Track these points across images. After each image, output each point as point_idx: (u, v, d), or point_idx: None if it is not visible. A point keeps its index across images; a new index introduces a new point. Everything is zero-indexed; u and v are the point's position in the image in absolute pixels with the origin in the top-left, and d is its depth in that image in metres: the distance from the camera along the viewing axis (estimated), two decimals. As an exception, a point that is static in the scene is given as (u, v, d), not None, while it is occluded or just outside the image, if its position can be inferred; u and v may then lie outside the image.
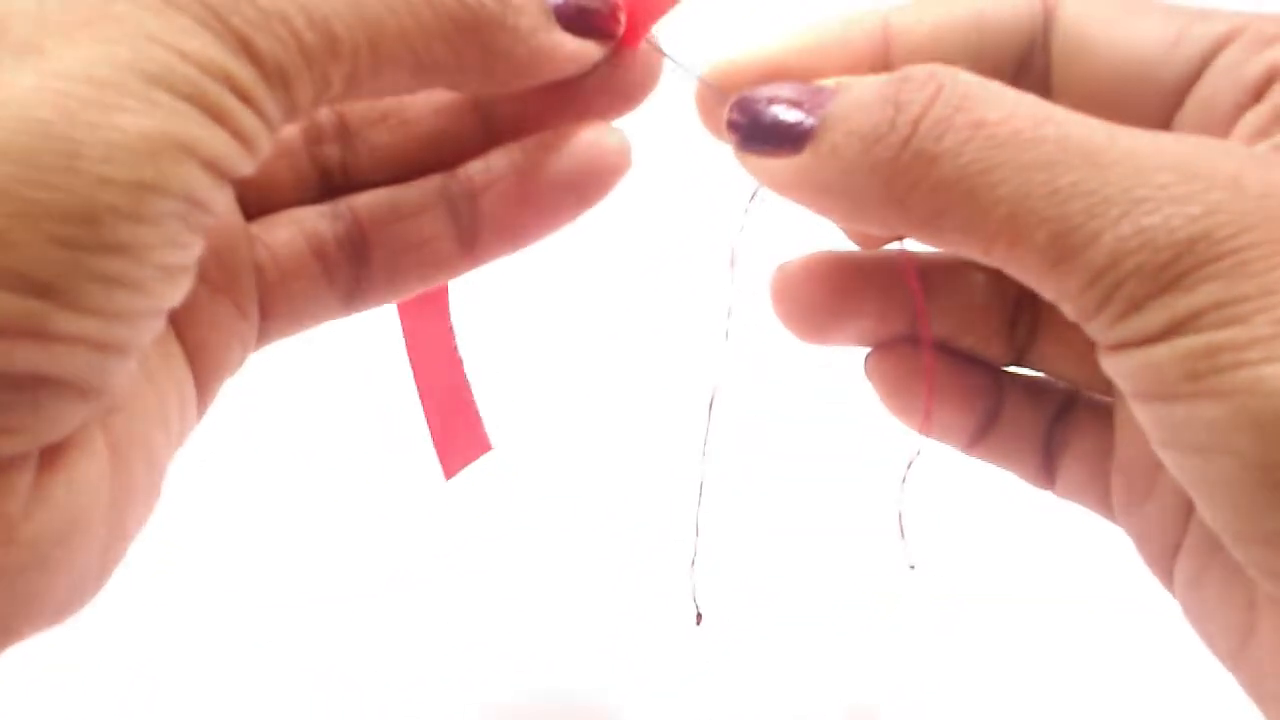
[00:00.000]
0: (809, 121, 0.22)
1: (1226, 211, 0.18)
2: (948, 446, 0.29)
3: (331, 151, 0.26)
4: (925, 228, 0.21)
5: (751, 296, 0.28)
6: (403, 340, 0.38)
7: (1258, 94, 0.22)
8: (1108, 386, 0.27)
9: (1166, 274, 0.19)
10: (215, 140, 0.18)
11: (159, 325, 0.19)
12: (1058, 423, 0.28)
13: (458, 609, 0.35)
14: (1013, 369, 0.29)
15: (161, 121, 0.17)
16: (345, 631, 0.35)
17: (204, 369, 0.23)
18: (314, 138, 0.26)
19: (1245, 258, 0.18)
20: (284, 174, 0.26)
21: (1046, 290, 0.21)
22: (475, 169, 0.26)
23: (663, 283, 0.40)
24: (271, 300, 0.25)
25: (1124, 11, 0.24)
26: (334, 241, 0.25)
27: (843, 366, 0.30)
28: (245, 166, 0.19)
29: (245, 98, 0.18)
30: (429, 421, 0.38)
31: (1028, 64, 0.25)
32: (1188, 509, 0.24)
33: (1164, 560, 0.25)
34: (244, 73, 0.18)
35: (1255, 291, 0.18)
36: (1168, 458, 0.20)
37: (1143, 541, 0.26)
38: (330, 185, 0.26)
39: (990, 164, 0.20)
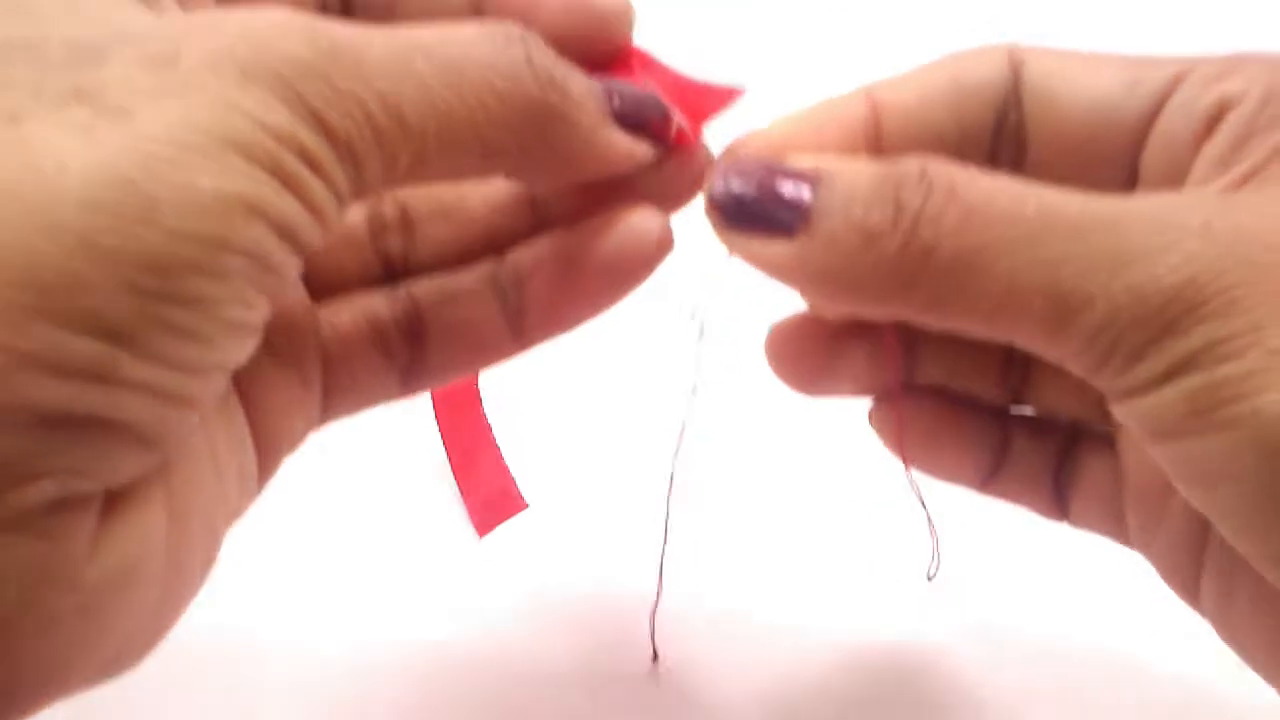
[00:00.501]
0: (802, 203, 0.23)
1: (1203, 258, 0.20)
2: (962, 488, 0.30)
3: (394, 242, 0.28)
4: (927, 313, 0.23)
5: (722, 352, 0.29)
6: (431, 407, 0.39)
7: (1210, 126, 0.23)
8: (1107, 417, 0.28)
9: (1159, 321, 0.20)
10: (286, 205, 0.19)
11: (222, 382, 0.20)
12: (1065, 457, 0.29)
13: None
14: (1017, 408, 0.30)
15: (236, 183, 0.18)
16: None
17: (266, 440, 0.24)
18: (378, 229, 0.28)
19: (1231, 298, 0.20)
20: (350, 263, 0.27)
21: (1051, 355, 0.22)
22: (522, 255, 0.27)
23: (633, 337, 0.41)
24: (334, 378, 0.26)
25: (1083, 63, 0.26)
26: (393, 324, 0.27)
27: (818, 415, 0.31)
28: (313, 236, 0.20)
29: (316, 169, 0.19)
30: (459, 481, 0.39)
31: (1004, 120, 0.26)
32: (1204, 529, 0.25)
33: (1188, 582, 0.26)
34: (317, 145, 0.19)
35: (1245, 328, 0.19)
36: (1188, 492, 0.22)
37: (1163, 565, 0.27)
38: (391, 272, 0.28)
39: (982, 244, 0.21)
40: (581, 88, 0.23)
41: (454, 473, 0.39)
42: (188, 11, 0.23)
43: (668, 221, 0.26)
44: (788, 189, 0.23)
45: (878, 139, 0.26)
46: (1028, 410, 0.30)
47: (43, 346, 0.17)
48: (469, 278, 0.27)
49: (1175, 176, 0.24)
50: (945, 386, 0.30)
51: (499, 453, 0.40)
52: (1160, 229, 0.20)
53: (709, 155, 0.27)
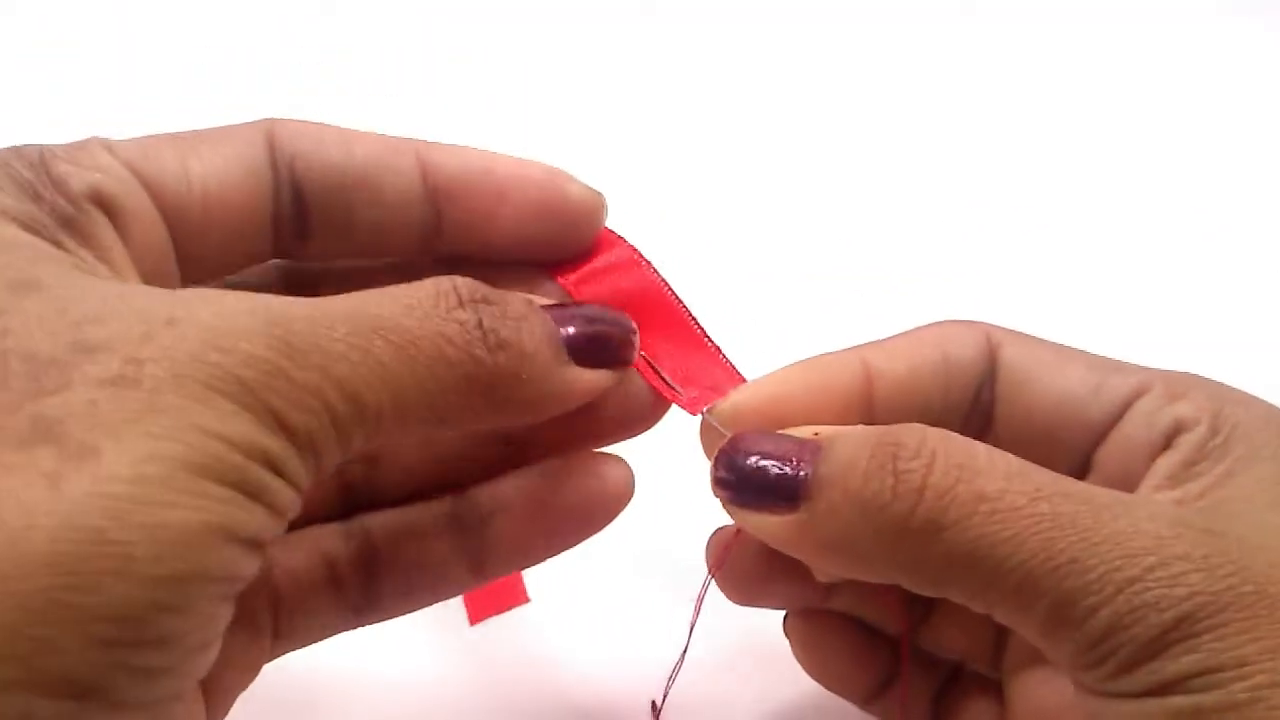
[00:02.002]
0: (801, 475, 0.24)
1: (1205, 594, 0.21)
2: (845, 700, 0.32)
3: (357, 470, 0.27)
4: (930, 587, 0.23)
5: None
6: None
7: (1167, 442, 0.25)
8: (994, 661, 0.31)
9: (1157, 645, 0.21)
10: (254, 519, 0.19)
11: (191, 688, 0.20)
12: (946, 689, 0.31)
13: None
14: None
15: (206, 512, 0.18)
16: None
17: (215, 690, 0.24)
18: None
19: (1222, 634, 0.21)
20: (309, 494, 0.28)
21: (1039, 644, 0.23)
22: (484, 495, 0.27)
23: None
24: (285, 619, 0.26)
25: (1054, 357, 0.27)
26: (347, 562, 0.27)
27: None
28: (277, 531, 0.20)
29: (280, 472, 0.20)
30: None
31: (978, 399, 0.27)
32: None
33: None
34: (280, 449, 0.19)
35: (1230, 662, 0.21)
36: None
37: None
38: (351, 499, 0.28)
39: (997, 539, 0.22)
40: (535, 338, 0.23)
41: None
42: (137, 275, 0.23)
43: (628, 469, 0.27)
44: (788, 464, 0.24)
45: (869, 405, 0.27)
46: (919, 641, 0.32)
47: (11, 713, 0.17)
48: (429, 514, 0.27)
49: (1128, 476, 0.26)
50: (848, 611, 0.31)
51: None
52: (1168, 559, 0.21)
53: (666, 381, 0.27)
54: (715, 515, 0.31)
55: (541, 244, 0.27)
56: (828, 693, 0.33)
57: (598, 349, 0.25)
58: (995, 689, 0.31)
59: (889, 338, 0.28)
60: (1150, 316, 0.48)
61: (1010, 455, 0.24)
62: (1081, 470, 0.27)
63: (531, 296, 0.25)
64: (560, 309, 0.25)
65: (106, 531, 0.17)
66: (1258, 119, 0.58)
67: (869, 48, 0.61)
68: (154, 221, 0.24)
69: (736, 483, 0.25)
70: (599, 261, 0.27)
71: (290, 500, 0.20)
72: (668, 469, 0.31)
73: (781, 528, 0.24)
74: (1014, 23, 0.62)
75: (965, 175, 0.55)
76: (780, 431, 0.26)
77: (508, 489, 0.27)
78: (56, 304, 0.19)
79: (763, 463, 0.25)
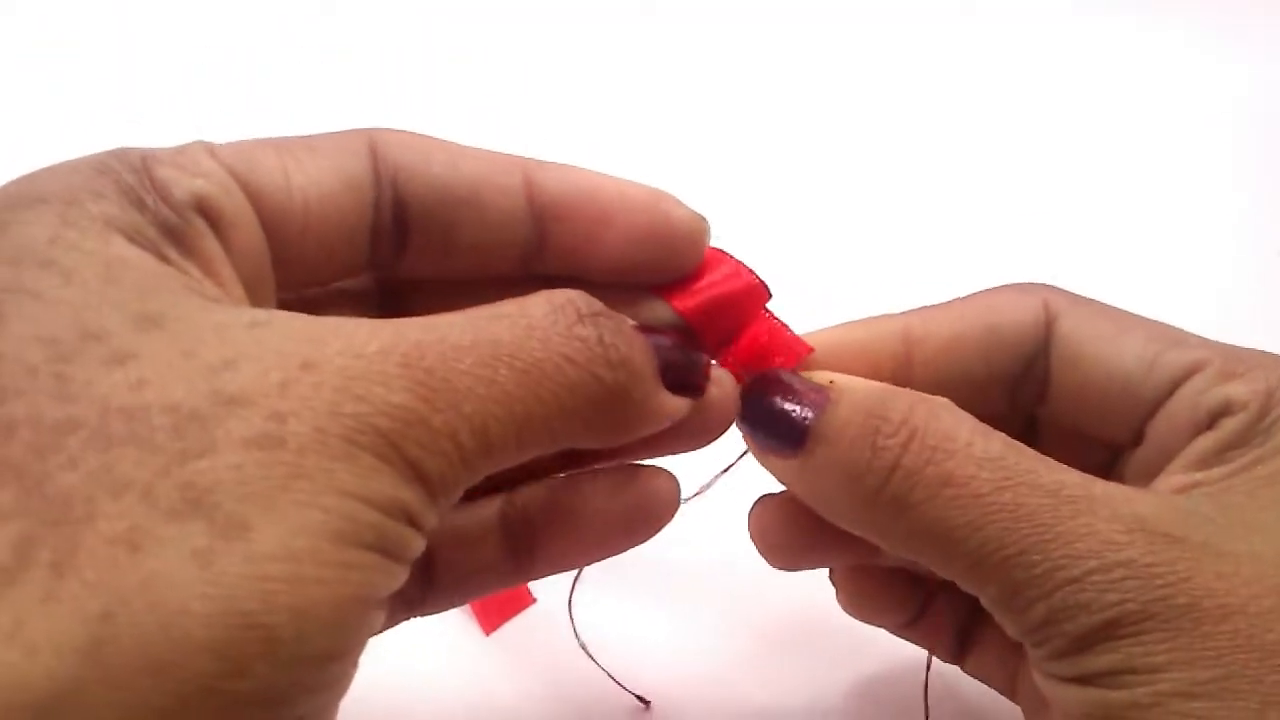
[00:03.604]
0: (806, 423, 0.25)
1: (1135, 602, 0.22)
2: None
3: None
4: (898, 552, 0.25)
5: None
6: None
7: (1211, 422, 0.25)
8: None
9: (1083, 642, 0.23)
10: (392, 577, 0.19)
11: None
12: (971, 618, 0.32)
13: None
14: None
15: (351, 585, 0.18)
16: None
17: None
18: None
19: (1142, 640, 0.22)
20: None
21: (994, 616, 0.24)
22: (533, 500, 0.27)
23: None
24: None
25: (1114, 328, 0.27)
26: None
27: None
28: (404, 579, 0.20)
29: (415, 523, 0.20)
30: None
31: (1031, 365, 0.28)
32: None
33: None
34: (416, 499, 0.20)
35: (1144, 667, 0.22)
36: None
37: None
38: None
39: (954, 523, 0.23)
40: (642, 358, 0.24)
41: None
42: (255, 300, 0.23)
43: (676, 483, 0.27)
44: (802, 407, 0.25)
45: (909, 369, 0.28)
46: None
47: None
48: (477, 518, 0.27)
49: (1168, 453, 0.26)
50: (882, 560, 0.32)
51: None
52: (1110, 565, 0.22)
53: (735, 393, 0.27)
54: (718, 516, 0.31)
55: (644, 266, 0.26)
56: (829, 692, 0.34)
57: (682, 375, 0.25)
58: None
59: (938, 304, 0.28)
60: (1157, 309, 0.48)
61: (997, 438, 0.24)
62: (1134, 442, 0.27)
63: (624, 317, 0.24)
64: (648, 332, 0.25)
65: (256, 616, 0.17)
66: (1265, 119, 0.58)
67: (869, 48, 0.61)
68: (255, 231, 0.23)
69: (752, 419, 0.26)
70: (705, 280, 0.27)
71: (420, 546, 0.20)
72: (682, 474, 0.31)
73: (784, 471, 0.26)
74: (1014, 23, 0.62)
75: (965, 175, 0.55)
76: (800, 374, 0.26)
77: (556, 496, 0.27)
78: (184, 343, 0.19)
79: (775, 403, 0.25)
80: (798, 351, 0.27)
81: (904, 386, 0.26)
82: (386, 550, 0.19)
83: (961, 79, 0.60)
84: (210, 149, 0.23)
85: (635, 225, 0.26)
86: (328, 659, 0.18)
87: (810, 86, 0.59)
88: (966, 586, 0.24)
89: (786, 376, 0.26)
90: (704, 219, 0.27)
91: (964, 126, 0.57)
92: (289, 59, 0.59)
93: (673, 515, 0.27)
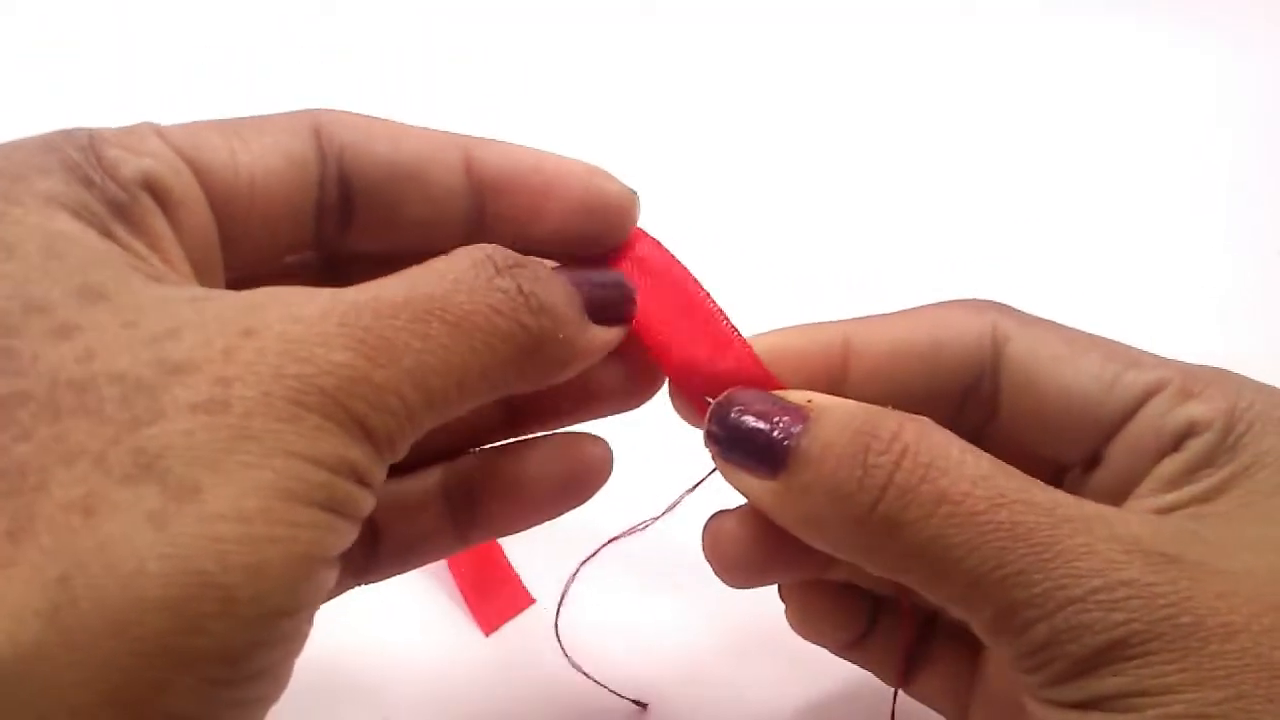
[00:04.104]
0: (786, 443, 0.24)
1: (1141, 622, 0.22)
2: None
3: None
4: (888, 574, 0.24)
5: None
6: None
7: (1176, 444, 0.25)
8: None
9: (1088, 664, 0.22)
10: (341, 536, 0.20)
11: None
12: (920, 640, 0.32)
13: None
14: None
15: (301, 543, 0.19)
16: None
17: None
18: None
19: (1150, 661, 0.22)
20: None
21: (986, 641, 0.24)
22: (472, 468, 0.28)
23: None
24: None
25: (1068, 349, 0.27)
26: None
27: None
28: (354, 536, 0.20)
29: (363, 480, 0.20)
30: (459, 585, 0.39)
31: (976, 389, 0.27)
32: None
33: None
34: (364, 456, 0.20)
35: (1154, 689, 0.21)
36: None
37: None
38: None
39: (951, 542, 0.23)
40: (563, 298, 0.24)
41: (454, 576, 0.39)
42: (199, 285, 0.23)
43: (609, 448, 0.28)
44: (782, 426, 0.25)
45: (843, 380, 0.27)
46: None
47: None
48: (421, 486, 0.28)
49: (1133, 476, 0.26)
50: (828, 575, 0.31)
51: (500, 549, 0.39)
52: (1113, 584, 0.22)
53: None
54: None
55: (579, 239, 0.27)
56: (827, 690, 0.34)
57: (608, 306, 0.26)
58: (966, 644, 0.31)
59: (883, 314, 0.28)
60: (1154, 310, 0.48)
61: (985, 457, 0.24)
62: (1091, 464, 0.27)
63: (544, 260, 0.25)
64: (569, 271, 0.26)
65: (212, 575, 0.17)
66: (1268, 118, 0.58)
67: (869, 48, 0.61)
68: (202, 209, 0.23)
69: (725, 439, 0.26)
70: (628, 256, 0.28)
71: (369, 504, 0.21)
72: (675, 473, 0.31)
73: (762, 493, 0.25)
74: (1014, 23, 0.62)
75: (965, 175, 0.55)
76: (775, 393, 0.26)
77: (495, 464, 0.28)
78: (127, 314, 0.20)
79: (751, 422, 0.25)
80: (767, 385, 0.27)
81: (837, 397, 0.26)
82: (336, 509, 0.19)
83: (961, 79, 0.60)
84: (158, 129, 0.23)
85: (571, 198, 0.26)
86: (281, 615, 0.18)
87: (810, 86, 0.59)
88: (960, 609, 0.23)
89: (761, 396, 0.26)
90: (634, 192, 0.27)
91: (965, 127, 0.57)
92: (289, 59, 0.59)
93: (606, 479, 0.28)
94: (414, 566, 0.29)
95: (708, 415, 0.26)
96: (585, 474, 0.28)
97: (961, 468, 0.23)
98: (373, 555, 0.27)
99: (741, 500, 0.27)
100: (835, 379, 0.27)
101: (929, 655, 0.31)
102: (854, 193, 0.54)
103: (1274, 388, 0.26)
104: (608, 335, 0.26)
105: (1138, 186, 0.55)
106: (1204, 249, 0.52)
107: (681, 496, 0.31)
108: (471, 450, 0.29)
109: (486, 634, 0.38)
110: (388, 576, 0.28)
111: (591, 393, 0.28)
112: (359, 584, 0.28)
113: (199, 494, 0.18)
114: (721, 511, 0.29)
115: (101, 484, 0.18)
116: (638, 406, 0.29)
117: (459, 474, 0.28)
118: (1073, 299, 0.48)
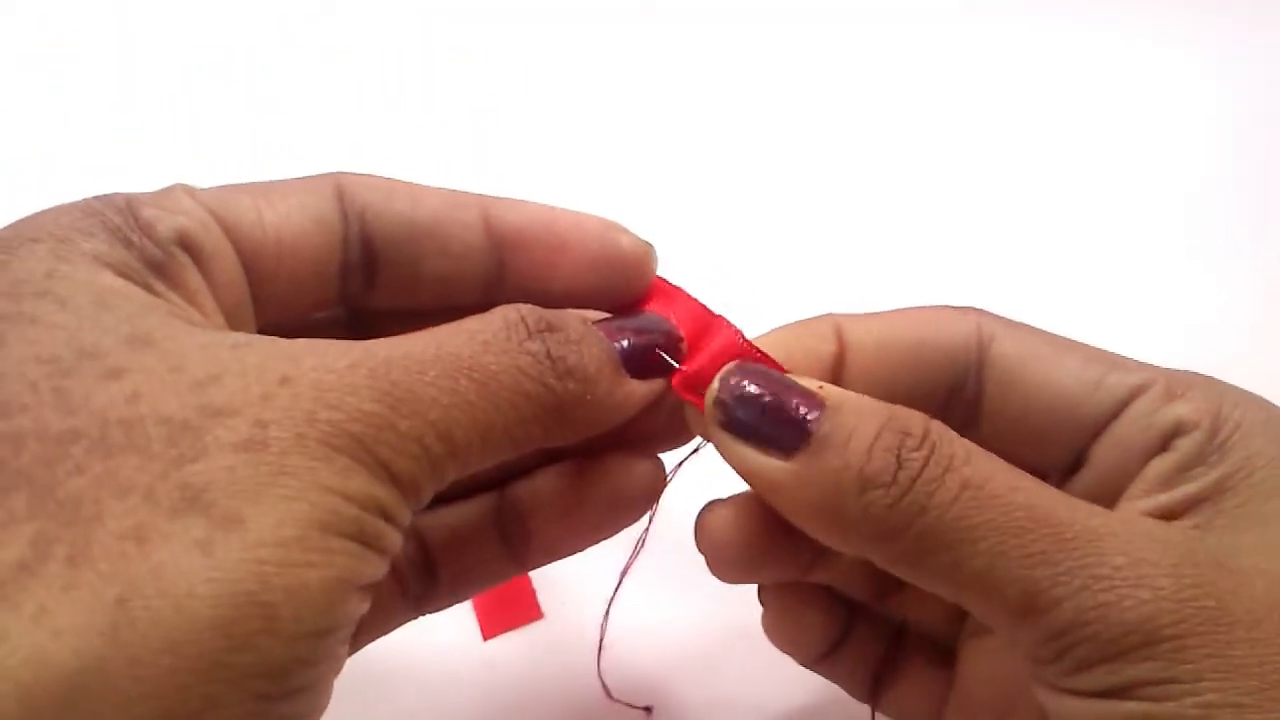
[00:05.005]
0: (808, 422, 0.24)
1: (1170, 600, 0.22)
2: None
3: None
4: (902, 565, 0.24)
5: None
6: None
7: (1164, 443, 0.25)
8: (957, 631, 0.31)
9: (1117, 646, 0.22)
10: (372, 566, 0.21)
11: None
12: (889, 655, 0.32)
13: None
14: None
15: (337, 567, 0.20)
16: None
17: None
18: None
19: (1182, 644, 0.21)
20: None
21: (1004, 633, 0.24)
22: (524, 492, 0.29)
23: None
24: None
25: (1051, 351, 0.27)
26: (407, 562, 0.28)
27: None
28: (385, 570, 0.21)
29: (390, 519, 0.21)
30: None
31: (960, 388, 0.27)
32: None
33: None
34: (389, 497, 0.21)
35: (1186, 675, 0.21)
36: None
37: None
38: None
39: (973, 522, 0.23)
40: (596, 358, 0.25)
41: None
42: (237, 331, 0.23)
43: (660, 467, 0.28)
44: (797, 407, 0.24)
45: (841, 373, 0.27)
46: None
47: None
48: (475, 514, 0.29)
49: (1121, 476, 0.26)
50: (808, 578, 0.31)
51: None
52: (1137, 561, 0.22)
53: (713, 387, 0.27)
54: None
55: (597, 292, 0.28)
56: (824, 691, 0.34)
57: (649, 360, 0.26)
58: (938, 656, 0.31)
59: (870, 312, 0.28)
60: (1151, 313, 0.48)
61: (995, 457, 0.24)
62: (1074, 467, 0.27)
63: (585, 314, 0.26)
64: (612, 322, 0.26)
65: (255, 595, 0.19)
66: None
67: (869, 48, 0.61)
68: (233, 265, 0.25)
69: (735, 411, 0.25)
70: (652, 306, 0.28)
71: (397, 541, 0.22)
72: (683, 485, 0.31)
73: (772, 473, 0.24)
74: (1014, 23, 0.62)
75: (964, 174, 0.55)
76: (788, 375, 0.26)
77: (545, 487, 0.29)
78: (172, 360, 0.21)
79: (766, 397, 0.25)
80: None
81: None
82: (365, 540, 0.21)
83: (961, 79, 0.60)
84: (189, 190, 0.25)
85: (588, 252, 0.27)
86: (320, 634, 0.20)
87: (809, 86, 0.59)
88: (978, 596, 0.23)
89: (774, 374, 0.26)
90: (649, 245, 0.28)
91: (966, 127, 0.57)
92: (289, 59, 0.59)
93: (659, 495, 0.28)
94: (473, 593, 0.30)
95: (716, 381, 0.26)
96: (638, 492, 0.28)
97: (981, 461, 0.24)
98: (431, 584, 0.29)
99: (732, 491, 0.28)
100: (834, 372, 0.27)
101: (900, 669, 0.32)
102: (854, 193, 0.54)
103: (1254, 394, 0.26)
104: (646, 389, 0.26)
105: (1138, 187, 0.55)
106: (1202, 249, 0.52)
107: (676, 468, 0.30)
108: (522, 478, 0.29)
109: (486, 638, 0.38)
110: (448, 605, 0.29)
111: (631, 438, 0.28)
112: (420, 614, 0.29)
113: (242, 524, 0.19)
114: (715, 502, 0.29)
115: (151, 515, 0.19)
116: (680, 445, 0.29)
117: (511, 501, 0.29)
118: (1062, 304, 0.49)
